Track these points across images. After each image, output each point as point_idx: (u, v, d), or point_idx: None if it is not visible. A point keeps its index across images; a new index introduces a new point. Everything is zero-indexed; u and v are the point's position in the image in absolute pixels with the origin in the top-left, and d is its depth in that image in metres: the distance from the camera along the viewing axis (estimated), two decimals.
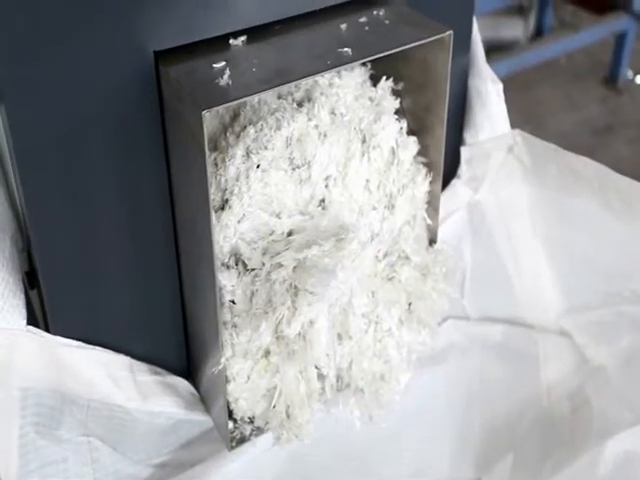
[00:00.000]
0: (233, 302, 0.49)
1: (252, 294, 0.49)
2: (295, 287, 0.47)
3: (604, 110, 1.95)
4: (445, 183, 0.57)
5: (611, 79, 2.05)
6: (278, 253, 0.47)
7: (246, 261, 0.48)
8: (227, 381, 0.49)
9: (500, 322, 0.57)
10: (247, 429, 0.50)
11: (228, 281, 0.48)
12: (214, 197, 0.45)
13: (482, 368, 0.57)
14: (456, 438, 0.58)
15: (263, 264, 0.47)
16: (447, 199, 0.57)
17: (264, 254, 0.47)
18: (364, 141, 0.50)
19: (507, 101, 0.59)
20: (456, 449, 0.58)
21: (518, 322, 0.57)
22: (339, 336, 0.50)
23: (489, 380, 0.57)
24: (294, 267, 0.47)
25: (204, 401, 0.53)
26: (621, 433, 0.47)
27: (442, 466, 0.59)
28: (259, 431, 0.51)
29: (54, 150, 0.42)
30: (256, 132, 0.45)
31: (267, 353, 0.50)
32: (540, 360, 0.56)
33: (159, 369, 0.52)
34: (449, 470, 0.59)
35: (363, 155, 0.49)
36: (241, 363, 0.49)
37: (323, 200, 0.49)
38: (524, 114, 1.80)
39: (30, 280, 0.49)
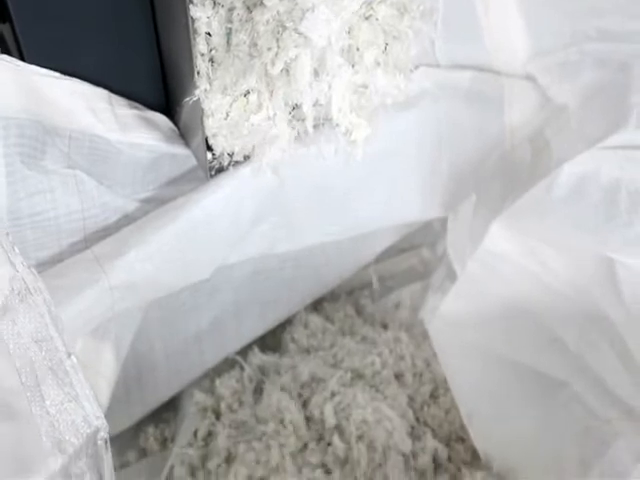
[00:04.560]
0: (209, 34, 0.47)
1: (230, 32, 0.48)
2: (283, 27, 0.46)
3: None
4: None
5: None
6: None
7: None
8: (205, 116, 0.48)
9: (469, 69, 0.57)
10: (226, 160, 0.50)
11: (202, 13, 0.46)
12: None
13: (451, 113, 0.57)
14: (425, 180, 0.59)
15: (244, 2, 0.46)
16: None
17: None
18: None
19: None
20: (425, 190, 0.59)
21: (486, 68, 0.57)
22: (316, 72, 0.50)
23: (457, 124, 0.57)
24: (278, 11, 0.46)
25: (183, 136, 0.52)
26: (575, 158, 0.48)
27: (412, 206, 0.60)
28: (238, 164, 0.52)
29: None
30: None
31: (247, 92, 0.50)
32: (505, 103, 0.56)
33: (138, 104, 0.51)
34: (418, 209, 0.60)
35: None
36: (219, 99, 0.47)
37: None
38: None
39: (1, 13, 0.48)
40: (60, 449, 0.39)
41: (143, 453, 0.62)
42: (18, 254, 0.41)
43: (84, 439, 0.39)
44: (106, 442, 0.39)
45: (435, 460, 0.57)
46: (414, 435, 0.58)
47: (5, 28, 0.48)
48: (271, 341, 0.66)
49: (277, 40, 0.45)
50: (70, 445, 0.39)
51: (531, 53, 0.55)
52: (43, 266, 0.51)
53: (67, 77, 0.48)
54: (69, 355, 0.41)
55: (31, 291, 0.42)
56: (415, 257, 0.70)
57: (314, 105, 0.51)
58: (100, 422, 0.40)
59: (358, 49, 0.50)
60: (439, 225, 0.66)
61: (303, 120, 0.51)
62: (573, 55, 0.52)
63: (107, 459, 0.39)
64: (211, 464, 0.59)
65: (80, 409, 0.40)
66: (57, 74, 0.47)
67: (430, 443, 0.57)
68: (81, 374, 0.41)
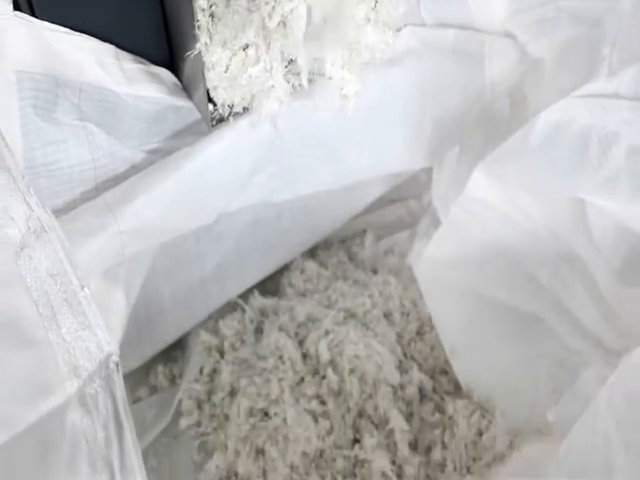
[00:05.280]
0: None
1: None
2: None
3: None
4: None
5: None
6: None
7: None
8: (207, 69, 0.47)
9: (452, 27, 0.56)
10: (226, 111, 0.50)
11: None
12: None
13: (435, 69, 0.56)
14: (411, 132, 0.58)
15: None
16: None
17: None
18: None
19: None
20: (411, 142, 0.59)
21: (468, 27, 0.56)
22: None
23: (441, 80, 0.56)
24: None
25: (186, 90, 0.51)
26: (549, 107, 0.48)
27: (399, 157, 0.60)
28: (237, 115, 0.51)
29: None
30: None
31: (246, 46, 0.49)
32: (486, 59, 0.55)
33: (143, 59, 0.50)
34: (405, 160, 0.60)
35: None
36: (219, 53, 0.47)
37: None
38: None
39: None
40: (76, 373, 0.39)
41: (154, 389, 0.62)
42: (33, 195, 0.41)
43: (97, 363, 0.39)
44: (117, 365, 0.39)
45: (421, 391, 0.57)
46: (402, 369, 0.58)
47: None
48: (270, 285, 0.66)
49: None
50: (85, 369, 0.39)
51: (510, 11, 0.55)
52: (57, 213, 0.51)
53: (76, 33, 0.47)
54: (82, 287, 0.41)
55: (46, 229, 0.41)
56: (403, 208, 0.69)
57: (309, 59, 0.50)
58: (111, 348, 0.40)
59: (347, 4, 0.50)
60: (425, 177, 0.66)
61: (298, 74, 0.51)
62: (550, 12, 0.52)
63: (118, 381, 0.39)
64: (216, 397, 0.59)
65: (93, 336, 0.40)
66: (67, 30, 0.47)
67: (416, 376, 0.57)
68: (93, 305, 0.41)
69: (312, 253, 0.67)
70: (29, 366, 0.37)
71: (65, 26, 0.46)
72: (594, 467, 0.38)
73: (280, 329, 0.60)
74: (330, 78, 0.50)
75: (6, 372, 0.37)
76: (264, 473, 0.54)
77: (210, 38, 0.47)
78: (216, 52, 0.47)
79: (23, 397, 0.37)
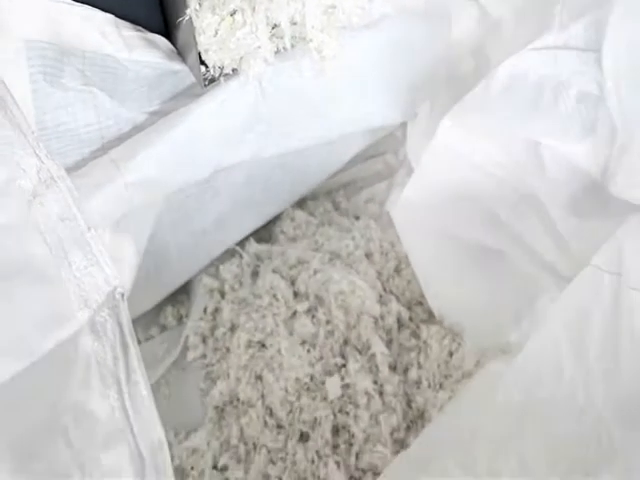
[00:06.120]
0: None
1: None
2: None
3: None
4: None
5: None
6: None
7: None
8: (198, 34, 0.47)
9: None
10: (217, 72, 0.49)
11: None
12: None
13: (406, 33, 0.55)
14: (386, 91, 0.58)
15: None
16: None
17: None
18: None
19: None
20: (386, 100, 0.58)
21: None
22: None
23: (411, 42, 0.55)
24: None
25: (181, 54, 0.51)
26: (507, 60, 0.47)
27: (376, 113, 0.60)
28: (227, 76, 0.51)
29: None
30: None
31: (233, 12, 0.48)
32: (452, 21, 0.55)
33: (140, 28, 0.49)
34: (381, 116, 0.60)
35: None
36: (209, 18, 0.46)
37: None
38: None
39: None
40: (86, 305, 0.39)
41: (164, 328, 0.63)
42: (43, 148, 0.41)
43: (105, 295, 0.40)
44: (123, 296, 0.40)
45: (399, 320, 0.58)
46: (382, 302, 0.58)
47: None
48: (264, 233, 0.66)
49: None
50: (94, 301, 0.39)
51: None
52: (68, 171, 0.51)
53: (78, 4, 0.47)
54: (89, 229, 0.41)
55: (55, 179, 0.41)
56: (381, 162, 0.69)
57: (291, 24, 0.50)
58: (117, 281, 0.40)
59: None
60: (400, 135, 0.66)
61: (282, 37, 0.50)
62: None
63: (124, 309, 0.39)
64: (218, 333, 0.60)
65: (101, 272, 0.40)
66: (70, 1, 0.46)
67: (395, 307, 0.58)
68: (101, 245, 0.41)
69: (301, 204, 0.67)
70: (45, 301, 0.38)
71: None
72: (546, 372, 0.38)
73: (274, 271, 0.61)
74: (311, 41, 0.50)
75: (25, 307, 0.37)
76: (262, 396, 0.55)
77: (200, 4, 0.46)
78: (206, 17, 0.47)
79: (41, 328, 0.37)
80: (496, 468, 0.39)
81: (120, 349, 0.37)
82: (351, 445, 0.52)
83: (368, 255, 0.61)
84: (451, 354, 0.55)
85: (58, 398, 0.34)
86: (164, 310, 0.63)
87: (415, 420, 0.53)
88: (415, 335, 0.57)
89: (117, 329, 0.37)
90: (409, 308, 0.59)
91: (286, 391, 0.54)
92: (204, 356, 0.59)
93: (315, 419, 0.53)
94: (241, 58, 0.50)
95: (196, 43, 0.47)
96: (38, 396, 0.35)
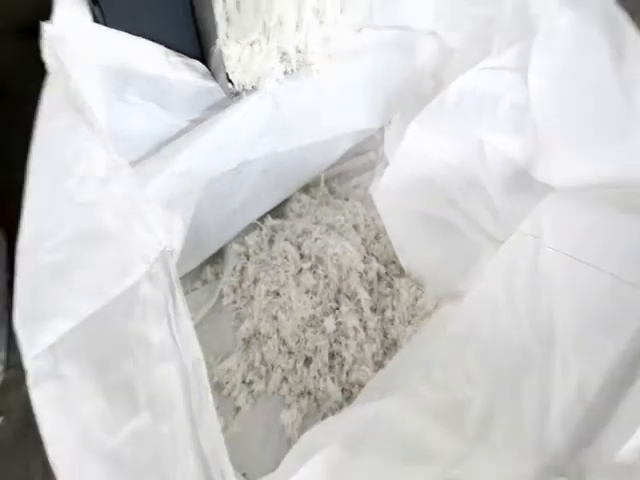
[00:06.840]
0: (225, 1, 0.46)
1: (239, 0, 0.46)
2: None
3: None
4: None
5: None
6: None
7: None
8: (225, 59, 0.47)
9: (395, 29, 0.54)
10: (241, 89, 0.49)
11: None
12: None
13: (384, 59, 0.54)
14: (368, 102, 0.57)
15: None
16: None
17: None
18: None
19: None
20: (369, 109, 0.58)
21: (406, 27, 0.54)
22: (297, 25, 0.48)
23: (388, 67, 0.54)
24: None
25: (213, 75, 0.51)
26: (458, 78, 0.47)
27: (361, 119, 0.60)
28: (249, 92, 0.51)
29: None
30: None
31: (253, 42, 0.47)
32: (417, 51, 0.54)
33: (182, 55, 0.49)
34: (365, 122, 0.60)
35: None
36: (234, 47, 0.47)
37: None
38: None
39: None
40: (144, 260, 0.39)
41: (205, 282, 0.63)
42: (111, 145, 0.41)
43: (159, 253, 0.40)
44: (171, 254, 0.40)
45: (378, 275, 0.58)
46: (365, 261, 0.58)
47: (95, 9, 0.47)
48: (278, 211, 0.66)
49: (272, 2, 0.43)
50: (150, 257, 0.39)
51: (434, 15, 0.53)
52: (130, 164, 0.51)
53: (137, 37, 0.46)
54: (147, 205, 0.41)
55: (121, 168, 0.41)
56: (365, 158, 0.69)
57: (296, 51, 0.50)
58: (168, 242, 0.40)
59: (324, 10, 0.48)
60: (379, 137, 0.65)
61: (290, 62, 0.50)
62: (461, 16, 0.50)
63: (172, 264, 0.39)
64: (245, 285, 0.60)
65: (155, 236, 0.40)
66: (129, 35, 0.46)
67: (375, 265, 0.58)
68: (155, 217, 0.41)
69: (305, 189, 0.67)
70: (115, 257, 0.38)
71: (128, 32, 0.46)
72: (485, 311, 0.38)
73: (285, 239, 0.61)
74: (312, 64, 0.49)
75: (101, 262, 0.37)
76: (277, 331, 0.55)
77: (227, 36, 0.46)
78: (232, 47, 0.47)
79: (112, 277, 0.37)
80: (448, 380, 0.39)
81: (169, 292, 0.37)
82: (343, 366, 0.53)
83: (355, 227, 0.61)
84: (416, 299, 0.56)
85: (125, 328, 0.35)
86: (205, 269, 0.63)
87: (390, 347, 0.54)
88: (390, 285, 0.58)
89: (167, 278, 0.38)
90: (385, 265, 0.59)
91: (295, 327, 0.55)
92: (234, 302, 0.60)
93: (316, 347, 0.54)
94: (259, 78, 0.50)
95: (224, 67, 0.47)
96: (111, 326, 0.35)
